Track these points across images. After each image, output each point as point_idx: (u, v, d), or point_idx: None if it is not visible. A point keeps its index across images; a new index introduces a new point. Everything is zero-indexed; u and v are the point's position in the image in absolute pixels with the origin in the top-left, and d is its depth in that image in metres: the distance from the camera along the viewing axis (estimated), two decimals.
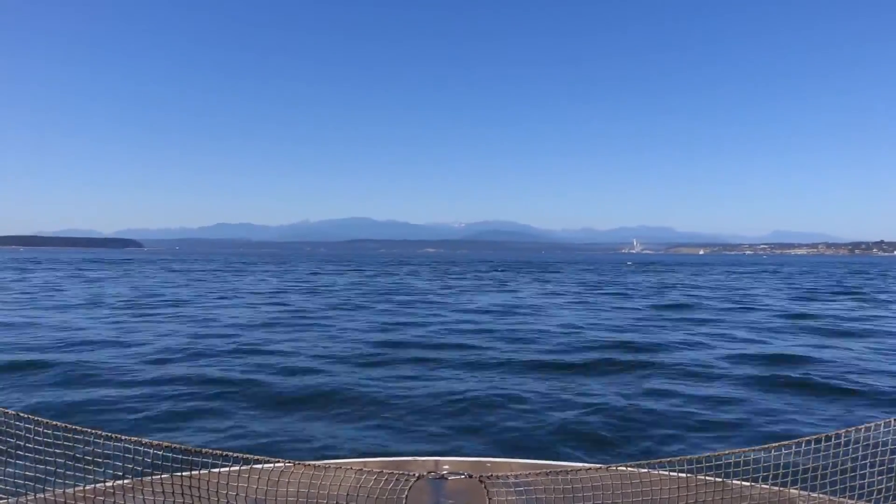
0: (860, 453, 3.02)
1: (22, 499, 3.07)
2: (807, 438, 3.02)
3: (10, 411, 3.02)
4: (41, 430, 3.02)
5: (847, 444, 2.99)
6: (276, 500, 3.03)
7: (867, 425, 2.96)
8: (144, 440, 3.04)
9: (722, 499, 3.09)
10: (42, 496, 3.05)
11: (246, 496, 3.05)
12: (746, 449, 3.09)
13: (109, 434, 3.04)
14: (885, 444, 2.96)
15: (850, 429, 2.98)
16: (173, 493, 3.05)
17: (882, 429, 2.95)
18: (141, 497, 3.07)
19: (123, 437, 3.02)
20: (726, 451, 3.08)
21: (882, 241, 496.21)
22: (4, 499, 3.16)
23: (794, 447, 3.02)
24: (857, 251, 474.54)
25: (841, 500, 3.16)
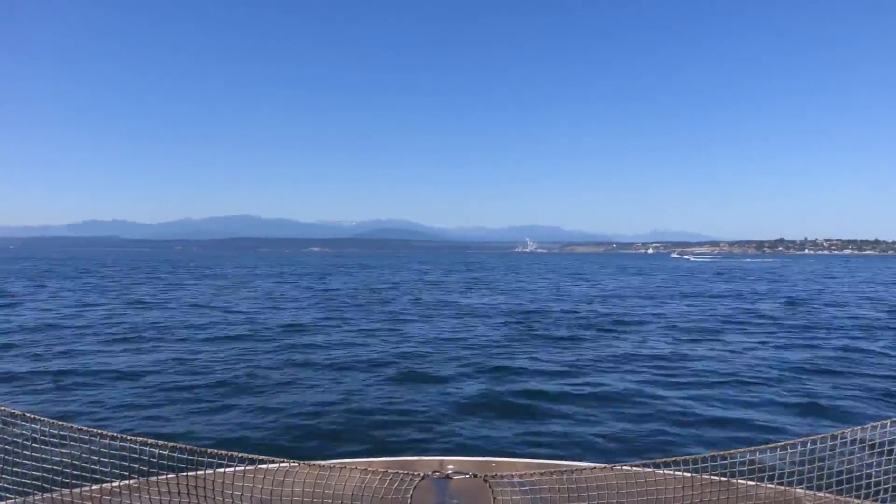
0: (866, 452, 3.12)
1: (28, 499, 3.25)
2: (812, 437, 3.13)
3: (15, 411, 3.19)
4: (45, 430, 3.18)
5: (853, 443, 3.08)
6: (280, 499, 3.21)
7: (873, 424, 3.06)
8: (150, 440, 3.25)
9: (727, 498, 3.20)
10: (49, 496, 3.23)
11: (251, 496, 3.23)
12: (752, 448, 3.17)
13: (114, 434, 3.27)
14: (891, 442, 3.04)
15: (856, 428, 3.07)
16: (178, 492, 3.25)
17: (889, 427, 3.04)
18: (147, 497, 3.28)
19: (129, 437, 3.24)
20: (731, 451, 3.17)
21: (782, 239, 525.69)
22: (11, 499, 3.31)
23: (799, 446, 3.11)
24: (765, 248, 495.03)
25: (847, 499, 3.26)
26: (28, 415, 3.17)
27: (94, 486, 3.34)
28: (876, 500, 3.17)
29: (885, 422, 3.05)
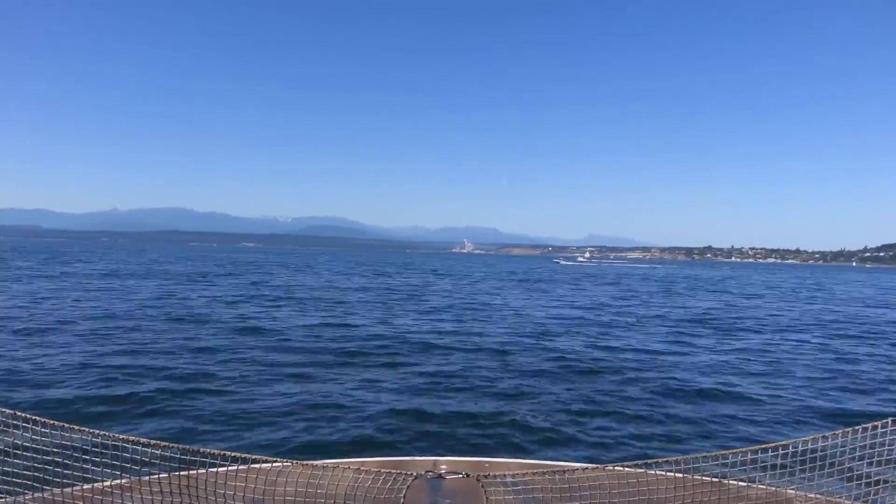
0: (857, 454, 3.16)
1: (20, 498, 3.24)
2: (804, 439, 3.20)
3: (8, 411, 3.17)
4: (39, 429, 3.18)
5: (844, 444, 3.15)
6: (273, 499, 3.25)
7: (864, 426, 3.11)
8: (143, 440, 3.27)
9: (719, 499, 3.24)
10: (41, 496, 3.22)
11: (244, 495, 3.26)
12: (744, 449, 3.22)
13: (108, 434, 3.29)
14: (881, 444, 3.11)
15: (847, 429, 3.12)
16: (171, 492, 3.28)
17: (879, 429, 3.10)
18: (140, 496, 3.29)
19: (122, 437, 3.27)
20: (724, 451, 3.22)
21: (710, 247, 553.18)
22: (4, 498, 3.30)
23: (791, 447, 3.17)
24: (694, 255, 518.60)
25: (838, 500, 3.36)
26: (18, 414, 3.16)
27: (85, 486, 3.33)
28: (866, 502, 3.27)
29: (875, 423, 3.13)
